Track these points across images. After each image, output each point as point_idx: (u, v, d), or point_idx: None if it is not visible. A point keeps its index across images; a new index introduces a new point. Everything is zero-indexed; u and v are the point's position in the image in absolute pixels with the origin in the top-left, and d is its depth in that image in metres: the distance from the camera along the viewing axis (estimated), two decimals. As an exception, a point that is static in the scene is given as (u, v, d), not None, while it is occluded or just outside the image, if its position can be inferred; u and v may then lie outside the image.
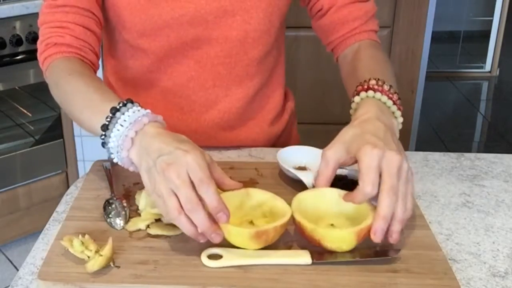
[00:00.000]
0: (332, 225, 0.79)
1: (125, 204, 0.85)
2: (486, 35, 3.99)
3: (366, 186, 0.73)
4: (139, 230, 0.81)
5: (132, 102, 0.79)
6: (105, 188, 0.91)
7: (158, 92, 1.06)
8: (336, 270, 0.73)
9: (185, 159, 0.71)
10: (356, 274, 0.73)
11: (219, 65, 1.03)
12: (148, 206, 0.84)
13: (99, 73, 1.10)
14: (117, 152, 0.78)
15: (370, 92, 0.85)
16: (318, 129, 2.25)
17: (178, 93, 1.05)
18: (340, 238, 0.74)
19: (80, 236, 0.76)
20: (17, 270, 1.93)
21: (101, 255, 0.72)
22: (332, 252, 0.75)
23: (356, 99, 0.87)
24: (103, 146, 0.79)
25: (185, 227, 0.72)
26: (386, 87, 0.85)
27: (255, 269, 0.73)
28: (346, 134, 0.80)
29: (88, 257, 0.73)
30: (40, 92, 2.04)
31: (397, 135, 0.82)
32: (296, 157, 0.97)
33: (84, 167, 2.25)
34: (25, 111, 2.10)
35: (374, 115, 0.81)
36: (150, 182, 0.73)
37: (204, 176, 0.70)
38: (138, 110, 0.78)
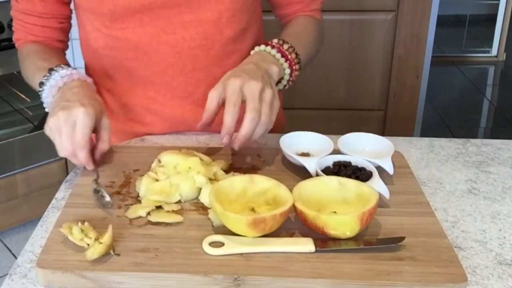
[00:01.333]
0: (334, 212, 0.78)
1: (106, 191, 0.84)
2: (492, 18, 3.95)
3: (228, 105, 0.86)
4: (140, 217, 0.80)
5: (69, 66, 0.96)
6: (105, 175, 0.90)
7: (136, 80, 1.06)
8: (340, 258, 0.72)
9: (77, 111, 0.85)
10: (360, 262, 0.72)
11: (196, 48, 1.03)
12: (148, 193, 0.83)
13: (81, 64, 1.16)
14: (47, 101, 0.94)
15: (262, 46, 0.99)
16: (321, 115, 2.25)
17: (158, 80, 1.05)
18: (343, 224, 0.73)
19: (79, 223, 0.75)
20: (16, 258, 1.93)
21: (100, 243, 0.72)
22: (335, 240, 0.74)
23: (251, 52, 1.00)
24: (41, 99, 0.96)
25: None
26: (285, 46, 0.99)
27: (258, 257, 0.72)
28: (225, 76, 0.91)
29: (88, 244, 0.73)
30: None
31: (274, 78, 0.95)
32: (299, 143, 0.96)
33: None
34: (23, 96, 2.08)
35: (252, 60, 0.95)
36: (49, 118, 0.87)
37: (81, 138, 0.85)
38: (71, 71, 0.94)
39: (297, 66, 1.00)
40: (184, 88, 1.06)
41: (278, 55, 0.98)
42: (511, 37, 3.96)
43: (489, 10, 4.01)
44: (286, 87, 1.01)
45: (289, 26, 1.12)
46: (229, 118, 0.86)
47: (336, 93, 2.22)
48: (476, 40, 4.12)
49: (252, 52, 1.00)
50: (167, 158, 0.89)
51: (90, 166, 0.89)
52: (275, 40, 1.00)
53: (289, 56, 0.99)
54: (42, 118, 2.09)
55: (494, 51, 4.00)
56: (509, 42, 3.96)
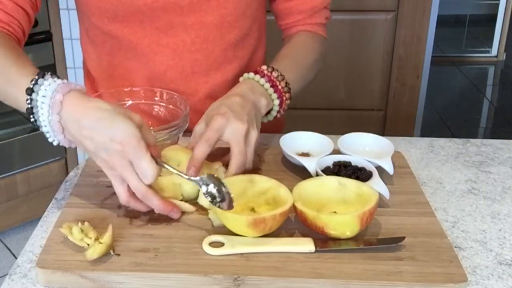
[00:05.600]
0: (334, 212, 0.78)
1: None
2: (492, 19, 3.95)
3: (202, 140, 0.82)
4: (141, 216, 0.80)
5: (43, 76, 0.77)
6: (105, 175, 0.89)
7: (136, 81, 1.05)
8: (340, 258, 0.72)
9: (121, 150, 0.74)
10: (360, 262, 0.72)
11: (196, 51, 1.02)
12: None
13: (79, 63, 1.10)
14: (54, 136, 0.82)
15: (251, 74, 0.94)
16: (321, 115, 2.25)
17: (157, 82, 1.04)
18: (343, 224, 0.73)
19: (79, 223, 0.75)
20: (16, 258, 1.93)
21: (100, 243, 0.72)
22: (335, 240, 0.74)
23: (240, 79, 0.95)
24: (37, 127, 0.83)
25: (140, 209, 0.78)
26: (274, 74, 0.94)
27: (258, 257, 0.72)
28: (210, 108, 0.88)
29: (88, 244, 0.72)
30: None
31: (262, 112, 0.91)
32: (300, 143, 0.95)
33: (83, 153, 2.23)
34: (24, 97, 2.08)
35: (240, 91, 0.90)
36: (102, 166, 0.78)
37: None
38: (49, 84, 0.76)
39: (287, 95, 0.95)
40: (183, 91, 1.04)
41: (267, 85, 0.93)
42: (511, 37, 3.96)
43: (489, 10, 4.01)
44: (278, 116, 0.96)
45: (287, 45, 1.07)
46: (197, 151, 0.81)
47: (336, 93, 2.22)
48: (476, 40, 4.12)
49: (240, 79, 0.95)
50: (169, 154, 0.88)
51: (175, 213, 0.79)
52: (264, 67, 0.94)
53: (279, 86, 0.94)
54: (42, 118, 2.09)
55: (494, 51, 4.00)
56: (509, 42, 3.97)
